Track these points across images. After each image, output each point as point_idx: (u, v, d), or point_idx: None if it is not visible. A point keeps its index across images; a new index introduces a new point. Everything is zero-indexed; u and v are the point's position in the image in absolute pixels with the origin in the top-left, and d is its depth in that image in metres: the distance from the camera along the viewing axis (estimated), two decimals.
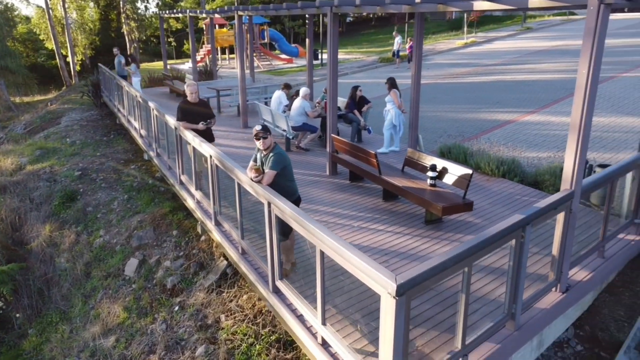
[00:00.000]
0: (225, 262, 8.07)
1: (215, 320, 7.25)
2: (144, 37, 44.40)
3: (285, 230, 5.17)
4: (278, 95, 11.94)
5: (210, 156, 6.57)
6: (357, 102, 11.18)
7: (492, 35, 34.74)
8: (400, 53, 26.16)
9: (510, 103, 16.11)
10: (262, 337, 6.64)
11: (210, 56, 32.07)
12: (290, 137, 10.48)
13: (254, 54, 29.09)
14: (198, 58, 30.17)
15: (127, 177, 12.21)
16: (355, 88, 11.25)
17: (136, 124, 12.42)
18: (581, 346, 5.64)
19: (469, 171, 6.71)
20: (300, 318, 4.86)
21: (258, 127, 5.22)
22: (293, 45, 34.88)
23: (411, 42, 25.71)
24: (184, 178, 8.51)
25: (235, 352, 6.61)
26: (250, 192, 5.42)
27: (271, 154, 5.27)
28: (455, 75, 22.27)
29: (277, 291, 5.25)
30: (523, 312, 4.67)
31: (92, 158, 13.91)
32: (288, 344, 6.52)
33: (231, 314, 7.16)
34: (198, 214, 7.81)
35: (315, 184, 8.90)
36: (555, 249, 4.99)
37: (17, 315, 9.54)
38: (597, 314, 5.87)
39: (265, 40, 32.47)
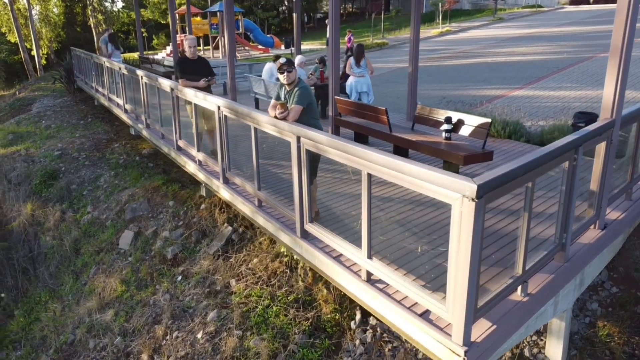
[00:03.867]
0: (229, 228, 7.69)
1: (225, 286, 6.86)
2: (112, 31, 43.08)
3: (313, 169, 4.84)
4: (270, 67, 11.55)
5: (219, 107, 6.16)
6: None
7: (465, 25, 35.09)
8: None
9: (496, 81, 16.14)
10: (279, 298, 6.30)
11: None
12: None
13: None
14: (172, 48, 29.36)
15: (111, 155, 11.61)
16: (349, 57, 10.98)
17: (119, 100, 11.82)
18: (616, 288, 5.50)
19: (488, 120, 6.52)
20: (337, 259, 4.53)
21: (282, 60, 4.87)
22: (268, 35, 34.41)
23: (350, 34, 25.80)
24: (181, 143, 8.05)
25: (250, 315, 6.25)
26: (272, 134, 5.06)
27: (296, 89, 4.93)
28: (436, 59, 22.28)
29: (306, 236, 4.90)
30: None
31: (71, 139, 13.20)
32: (307, 303, 6.21)
33: (242, 278, 6.78)
34: (201, 176, 7.37)
35: None
36: (594, 184, 4.81)
37: (2, 295, 8.87)
38: (629, 256, 5.75)
39: (240, 30, 31.86)
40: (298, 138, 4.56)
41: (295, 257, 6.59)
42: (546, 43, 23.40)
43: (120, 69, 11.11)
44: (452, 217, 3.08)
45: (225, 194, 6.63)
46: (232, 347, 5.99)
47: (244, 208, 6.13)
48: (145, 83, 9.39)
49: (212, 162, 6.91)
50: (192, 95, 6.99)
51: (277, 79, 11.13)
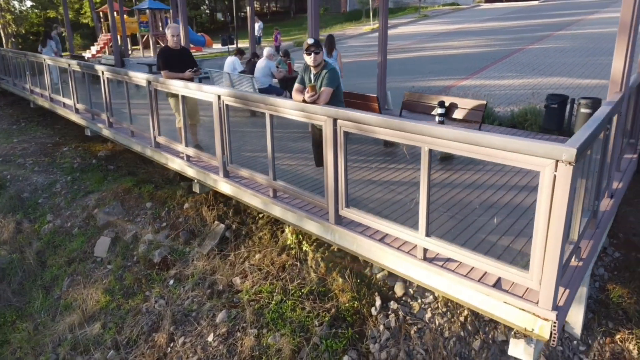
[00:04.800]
0: (221, 225, 7.35)
1: (228, 285, 6.56)
2: (23, 31, 39.92)
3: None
4: (232, 61, 11.18)
5: (219, 97, 5.84)
6: None
7: (394, 22, 36.05)
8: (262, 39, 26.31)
9: (442, 72, 16.71)
10: (292, 292, 6.12)
11: (111, 45, 29.65)
12: None
13: (162, 42, 27.43)
14: (98, 48, 27.74)
15: (63, 160, 10.71)
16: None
17: (67, 101, 10.90)
18: (618, 252, 5.86)
19: (483, 101, 6.71)
20: (382, 241, 4.44)
21: (310, 41, 4.69)
22: (199, 34, 33.42)
23: (277, 33, 25.96)
24: (162, 139, 7.55)
25: (264, 311, 6.02)
26: (299, 119, 4.87)
27: (324, 71, 4.77)
28: (376, 54, 22.67)
29: (340, 222, 4.76)
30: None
31: (8, 145, 12.03)
32: (322, 294, 6.08)
33: (247, 275, 6.51)
34: (191, 172, 6.96)
35: (306, 139, 8.35)
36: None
37: None
38: (625, 222, 6.15)
39: None
40: (334, 120, 4.42)
41: (304, 248, 6.43)
42: (476, 37, 24.59)
43: (70, 66, 10.26)
44: (543, 183, 3.11)
45: (226, 187, 6.31)
46: (249, 346, 5.73)
47: (254, 200, 5.87)
48: (108, 78, 8.74)
49: (207, 156, 6.54)
50: (181, 87, 6.59)
51: (242, 72, 10.85)
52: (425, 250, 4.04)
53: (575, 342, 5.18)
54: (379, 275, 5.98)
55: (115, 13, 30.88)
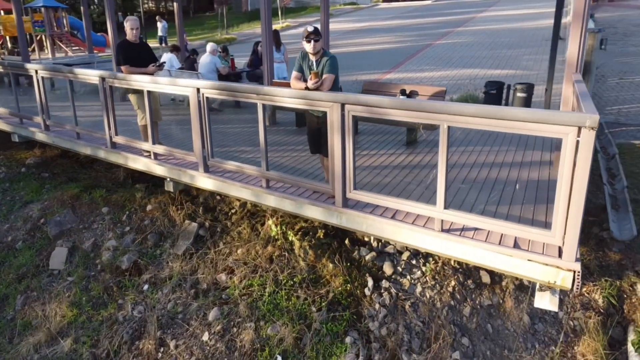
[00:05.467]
0: (194, 224, 7.15)
1: (213, 283, 6.45)
2: None
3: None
4: (169, 58, 10.78)
5: (198, 90, 5.69)
6: (260, 57, 10.79)
7: (302, 20, 36.54)
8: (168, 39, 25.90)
9: (365, 67, 17.34)
10: (284, 282, 6.16)
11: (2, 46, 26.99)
12: None
13: (62, 43, 25.61)
14: None
15: None
16: (257, 44, 10.86)
17: None
18: None
19: (443, 88, 7.18)
20: (394, 218, 4.65)
21: (310, 28, 4.76)
22: (99, 34, 31.45)
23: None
24: (120, 139, 7.14)
25: (258, 304, 6.00)
26: (296, 107, 4.94)
27: (325, 59, 4.86)
28: (297, 50, 22.89)
29: (347, 205, 4.90)
30: None
31: None
32: (314, 280, 6.19)
33: (234, 271, 6.42)
34: (160, 170, 6.66)
35: (274, 132, 8.29)
36: None
37: None
38: None
39: (66, 29, 28.59)
40: (342, 105, 4.55)
41: (290, 238, 6.47)
42: (387, 34, 25.75)
43: None
44: (565, 149, 3.50)
45: (206, 183, 6.16)
46: (249, 340, 5.69)
47: (243, 193, 5.81)
48: (42, 77, 8.07)
49: (182, 153, 6.32)
50: (148, 82, 6.31)
51: (180, 68, 10.54)
52: (442, 222, 4.33)
53: None
54: (367, 257, 6.20)
55: (1, 12, 28.10)
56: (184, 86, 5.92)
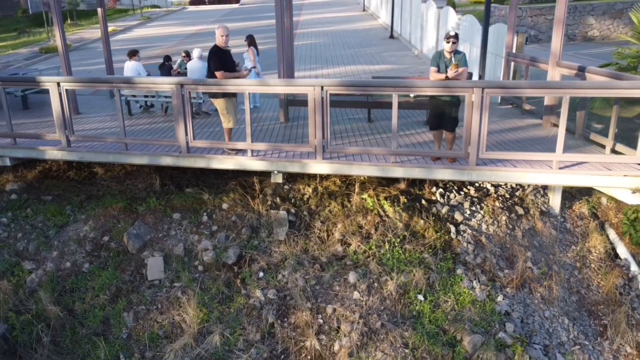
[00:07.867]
0: (282, 212, 7.86)
1: (333, 254, 7.42)
2: None
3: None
4: (133, 67, 10.43)
5: (322, 87, 6.65)
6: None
7: (123, 24, 34.71)
8: None
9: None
10: (392, 242, 7.52)
11: None
12: (202, 101, 9.85)
13: None
14: None
15: None
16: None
17: None
18: None
19: None
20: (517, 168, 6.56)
21: (452, 33, 6.26)
22: None
23: None
24: (200, 143, 7.36)
25: (383, 261, 7.26)
26: (437, 94, 6.44)
27: (458, 55, 6.42)
28: (152, 56, 22.24)
29: (479, 163, 6.61)
30: None
31: None
32: (412, 234, 7.67)
33: (346, 242, 7.49)
34: (261, 166, 7.22)
35: (271, 133, 9.17)
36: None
37: None
38: None
39: None
40: (482, 89, 6.26)
41: (384, 206, 7.77)
42: (232, 38, 26.63)
43: None
44: None
45: (322, 168, 7.09)
46: (392, 289, 6.97)
47: (367, 170, 6.97)
48: (67, 89, 7.59)
49: (290, 146, 7.08)
50: (252, 85, 6.90)
51: (148, 74, 10.51)
52: (560, 163, 6.41)
53: (558, 217, 8.38)
54: (443, 210, 7.95)
55: None
56: (306, 85, 6.78)
